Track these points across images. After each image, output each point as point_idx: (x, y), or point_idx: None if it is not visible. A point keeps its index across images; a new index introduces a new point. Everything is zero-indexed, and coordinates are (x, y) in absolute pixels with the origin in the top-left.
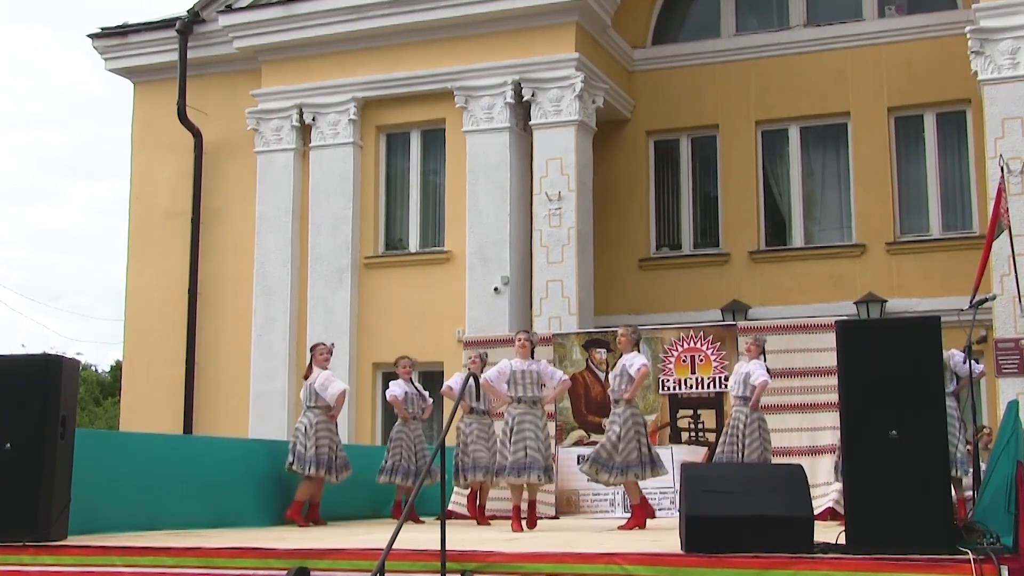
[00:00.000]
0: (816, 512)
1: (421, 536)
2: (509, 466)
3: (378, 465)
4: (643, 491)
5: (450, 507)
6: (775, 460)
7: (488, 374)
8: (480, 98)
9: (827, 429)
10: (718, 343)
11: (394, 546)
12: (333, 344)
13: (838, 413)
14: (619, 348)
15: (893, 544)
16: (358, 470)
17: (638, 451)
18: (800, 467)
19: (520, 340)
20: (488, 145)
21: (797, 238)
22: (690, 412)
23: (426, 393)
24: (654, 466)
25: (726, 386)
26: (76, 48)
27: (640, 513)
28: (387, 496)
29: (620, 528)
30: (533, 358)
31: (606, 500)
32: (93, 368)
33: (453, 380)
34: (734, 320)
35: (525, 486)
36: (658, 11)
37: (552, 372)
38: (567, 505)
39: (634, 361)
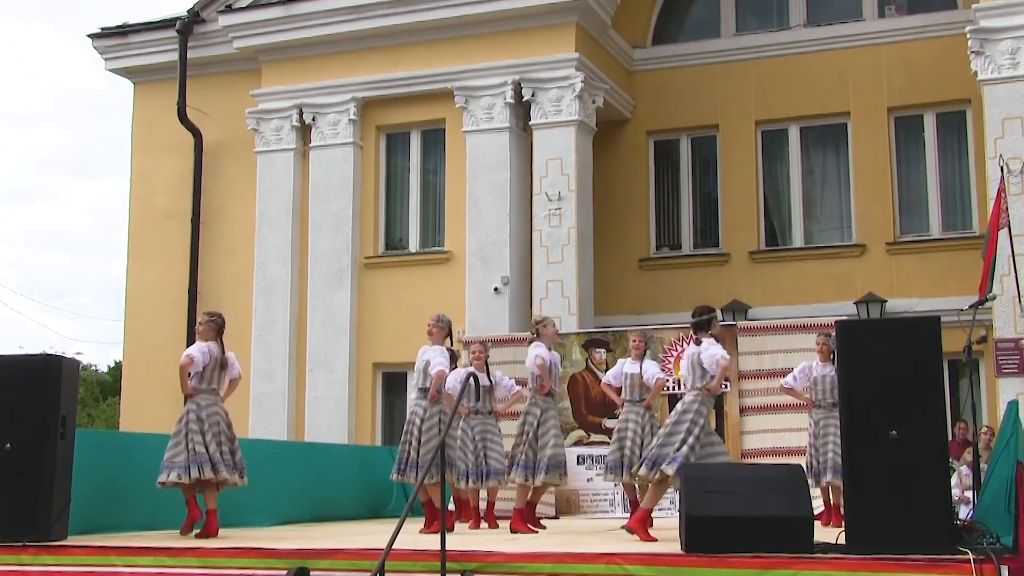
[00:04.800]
0: (816, 512)
1: (421, 536)
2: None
3: (377, 464)
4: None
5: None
6: (775, 460)
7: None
8: (480, 98)
9: None
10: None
11: (394, 546)
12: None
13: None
14: (634, 352)
15: (893, 544)
16: (358, 470)
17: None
18: (800, 467)
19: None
20: (488, 145)
21: (797, 238)
22: None
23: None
24: None
25: (726, 387)
26: (76, 47)
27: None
28: (387, 496)
29: None
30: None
31: (606, 500)
32: (93, 368)
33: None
34: (734, 320)
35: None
36: (658, 11)
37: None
38: (567, 505)
39: (649, 369)
